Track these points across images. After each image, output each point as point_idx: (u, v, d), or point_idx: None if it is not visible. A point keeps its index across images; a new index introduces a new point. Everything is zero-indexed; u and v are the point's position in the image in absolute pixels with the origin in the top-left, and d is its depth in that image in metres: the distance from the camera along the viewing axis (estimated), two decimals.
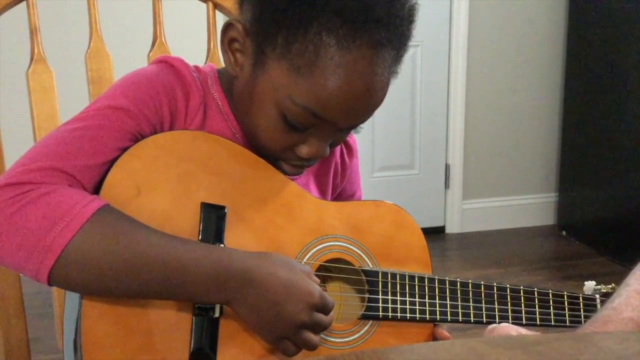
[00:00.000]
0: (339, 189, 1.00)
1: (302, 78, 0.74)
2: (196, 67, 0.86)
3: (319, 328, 0.78)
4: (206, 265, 0.72)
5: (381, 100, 0.78)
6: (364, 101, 0.76)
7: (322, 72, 0.73)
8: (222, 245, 0.78)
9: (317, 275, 0.83)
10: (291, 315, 0.74)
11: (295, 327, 0.75)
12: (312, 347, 0.77)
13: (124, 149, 0.76)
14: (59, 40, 2.17)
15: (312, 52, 0.73)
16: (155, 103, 0.79)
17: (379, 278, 0.88)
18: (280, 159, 0.82)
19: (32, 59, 0.99)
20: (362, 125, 0.82)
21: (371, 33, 0.73)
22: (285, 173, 0.84)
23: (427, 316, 0.89)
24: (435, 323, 0.91)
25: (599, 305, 0.94)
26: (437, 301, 0.90)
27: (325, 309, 0.77)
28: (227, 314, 0.76)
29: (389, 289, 0.88)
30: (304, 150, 0.80)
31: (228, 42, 0.80)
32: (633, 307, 0.72)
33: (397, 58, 0.78)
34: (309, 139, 0.79)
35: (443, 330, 0.91)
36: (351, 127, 0.81)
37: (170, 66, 0.83)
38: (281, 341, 0.77)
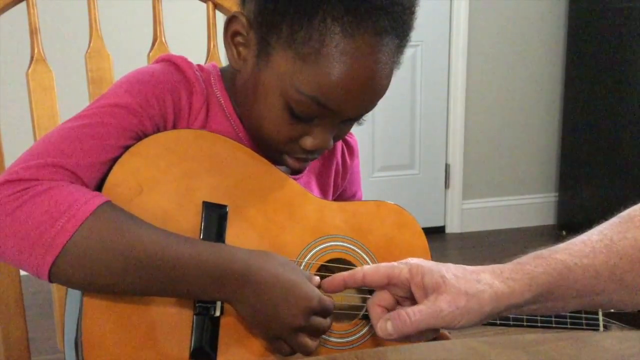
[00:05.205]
0: (340, 189, 1.00)
1: (307, 66, 0.74)
2: (199, 66, 0.86)
3: (317, 332, 0.77)
4: (207, 263, 0.72)
5: (385, 89, 0.78)
6: (369, 88, 0.76)
7: (328, 60, 0.73)
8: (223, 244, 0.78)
9: (317, 276, 0.83)
10: (287, 318, 0.74)
11: (291, 330, 0.75)
12: (307, 351, 0.76)
13: (127, 147, 0.76)
14: (59, 40, 2.18)
15: (317, 40, 0.73)
16: (159, 102, 0.79)
17: None
18: (284, 152, 0.82)
19: (32, 59, 0.99)
20: (364, 118, 0.82)
21: (375, 20, 0.73)
22: (289, 168, 0.84)
23: None
24: None
25: None
26: None
27: (324, 313, 0.77)
28: (227, 312, 0.76)
29: None
30: (308, 141, 0.80)
31: (231, 35, 0.80)
32: (570, 252, 0.70)
33: (400, 48, 0.79)
34: (313, 130, 0.79)
35: (443, 330, 0.90)
36: (356, 116, 0.81)
37: (174, 65, 0.83)
38: (276, 341, 0.77)
